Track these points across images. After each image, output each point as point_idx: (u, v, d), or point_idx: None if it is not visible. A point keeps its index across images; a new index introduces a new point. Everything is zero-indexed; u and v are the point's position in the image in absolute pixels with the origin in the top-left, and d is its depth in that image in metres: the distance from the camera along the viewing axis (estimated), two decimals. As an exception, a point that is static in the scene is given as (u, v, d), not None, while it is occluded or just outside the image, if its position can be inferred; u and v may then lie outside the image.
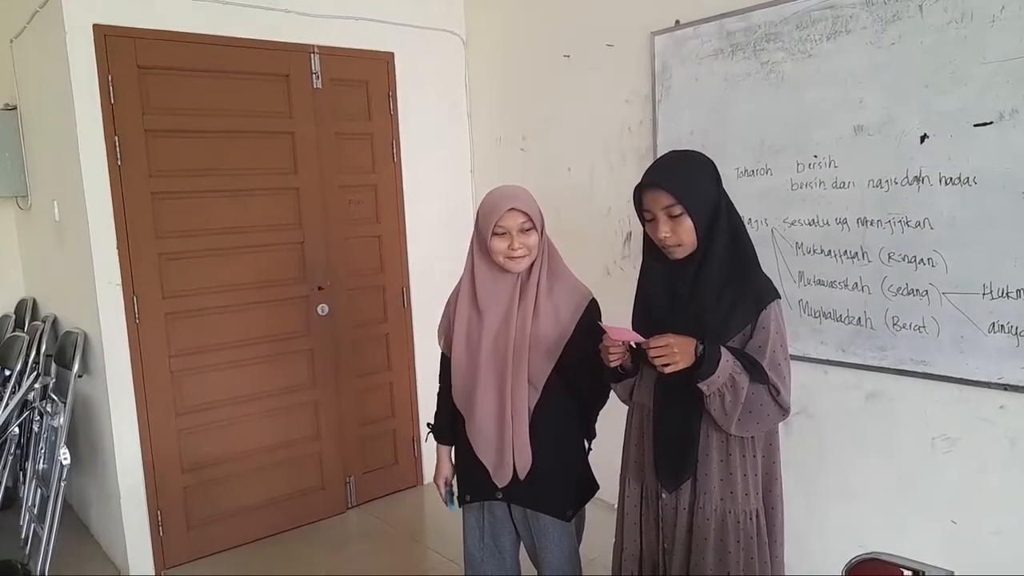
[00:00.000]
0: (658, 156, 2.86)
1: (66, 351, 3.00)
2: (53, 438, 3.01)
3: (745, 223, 2.55)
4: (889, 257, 2.25)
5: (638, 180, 1.66)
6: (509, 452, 1.84)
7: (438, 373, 2.05)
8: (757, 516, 1.66)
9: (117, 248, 2.82)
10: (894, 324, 2.26)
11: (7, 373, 3.32)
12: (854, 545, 2.28)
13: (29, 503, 3.15)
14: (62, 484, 2.89)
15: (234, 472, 3.18)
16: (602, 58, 3.12)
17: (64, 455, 2.86)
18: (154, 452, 2.95)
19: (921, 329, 2.20)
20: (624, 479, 1.83)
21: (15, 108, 3.57)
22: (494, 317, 1.84)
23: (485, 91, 3.78)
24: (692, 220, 1.58)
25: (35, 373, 3.20)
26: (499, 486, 1.88)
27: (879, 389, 2.35)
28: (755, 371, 1.57)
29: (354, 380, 3.51)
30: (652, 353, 1.53)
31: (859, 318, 2.34)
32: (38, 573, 2.85)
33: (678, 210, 1.58)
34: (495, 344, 1.83)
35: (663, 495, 1.69)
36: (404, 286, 3.65)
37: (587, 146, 3.26)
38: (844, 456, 2.46)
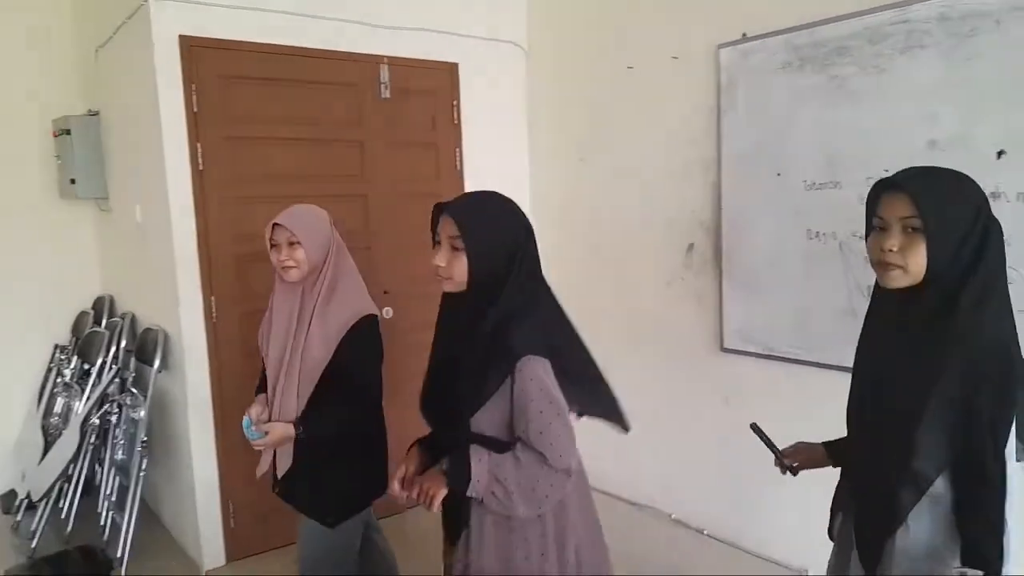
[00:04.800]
0: (721, 167, 2.89)
1: (147, 347, 3.14)
2: (132, 430, 3.16)
3: (812, 236, 2.61)
4: (962, 272, 2.23)
5: (702, 191, 1.50)
6: (268, 452, 2.10)
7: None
8: None
9: (197, 250, 2.95)
10: (965, 339, 2.24)
11: (87, 367, 3.49)
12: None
13: (107, 492, 3.30)
14: (141, 474, 3.03)
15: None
16: (666, 70, 3.15)
17: (144, 446, 3.00)
18: (227, 446, 3.06)
19: (994, 345, 2.18)
20: None
21: (97, 114, 3.74)
22: (278, 331, 2.06)
23: (546, 101, 3.83)
24: None
25: (115, 367, 3.35)
26: (258, 474, 2.14)
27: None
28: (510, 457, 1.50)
29: (407, 384, 3.57)
30: (420, 503, 1.52)
31: (929, 333, 2.33)
32: (116, 558, 2.99)
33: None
34: (280, 354, 2.06)
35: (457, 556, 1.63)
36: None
37: (649, 157, 3.28)
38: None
